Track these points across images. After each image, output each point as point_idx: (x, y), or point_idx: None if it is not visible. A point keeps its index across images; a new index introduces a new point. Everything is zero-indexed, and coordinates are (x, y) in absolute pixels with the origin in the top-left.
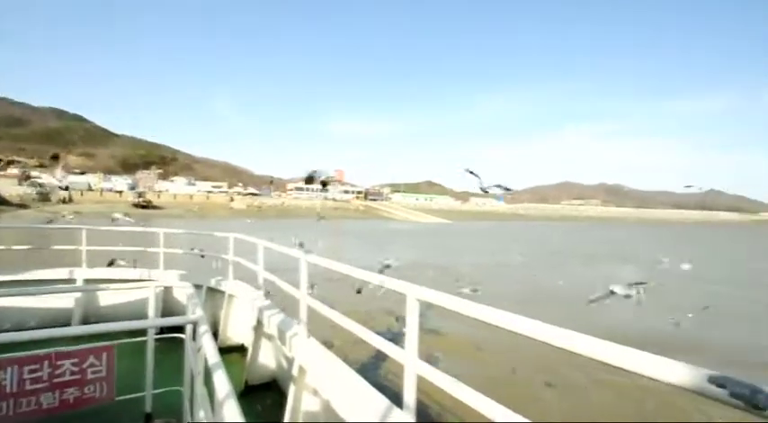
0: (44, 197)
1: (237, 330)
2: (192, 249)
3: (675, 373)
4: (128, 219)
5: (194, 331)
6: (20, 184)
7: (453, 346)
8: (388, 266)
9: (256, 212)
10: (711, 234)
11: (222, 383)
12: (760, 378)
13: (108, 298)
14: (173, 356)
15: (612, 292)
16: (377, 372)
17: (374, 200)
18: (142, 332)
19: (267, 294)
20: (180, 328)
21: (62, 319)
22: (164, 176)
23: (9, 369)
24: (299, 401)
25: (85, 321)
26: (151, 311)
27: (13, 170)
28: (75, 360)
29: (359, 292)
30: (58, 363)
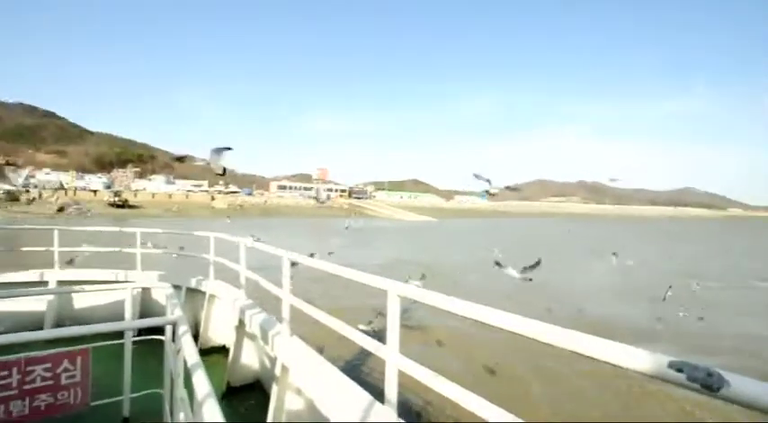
0: (12, 197)
1: (219, 331)
2: (163, 248)
3: (639, 360)
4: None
5: (174, 332)
6: None
7: (443, 339)
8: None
9: (238, 211)
10: (679, 229)
11: (202, 385)
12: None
13: (83, 300)
14: (152, 359)
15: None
16: (362, 368)
17: (358, 198)
18: (119, 335)
19: (249, 294)
20: (159, 330)
21: (34, 323)
22: (142, 175)
23: None
24: (283, 401)
25: (59, 325)
26: (128, 313)
27: None
28: (48, 365)
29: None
30: (29, 368)
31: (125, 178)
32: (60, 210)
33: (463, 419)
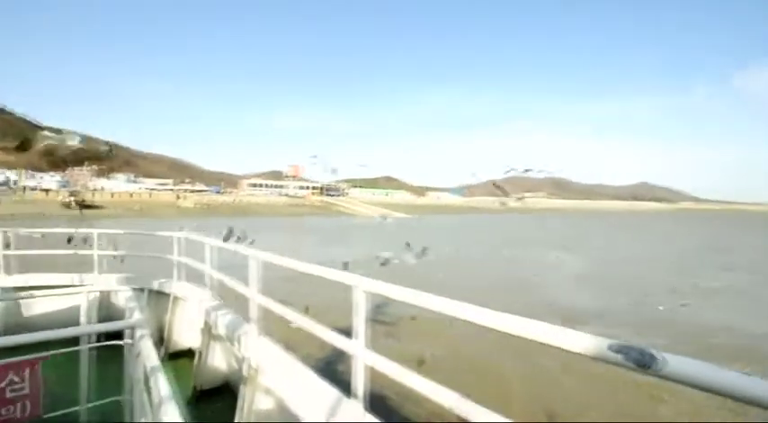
0: None
1: (185, 334)
2: (124, 249)
3: (583, 343)
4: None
5: (134, 336)
6: None
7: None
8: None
9: (206, 211)
10: (631, 222)
11: (163, 389)
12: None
13: (35, 307)
14: (112, 365)
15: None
16: (334, 365)
17: (332, 195)
18: (77, 342)
19: (217, 295)
20: (119, 335)
21: None
22: (102, 173)
23: None
24: (252, 402)
25: (8, 334)
26: (83, 318)
27: None
28: None
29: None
30: None
31: (82, 177)
32: None
33: (433, 412)
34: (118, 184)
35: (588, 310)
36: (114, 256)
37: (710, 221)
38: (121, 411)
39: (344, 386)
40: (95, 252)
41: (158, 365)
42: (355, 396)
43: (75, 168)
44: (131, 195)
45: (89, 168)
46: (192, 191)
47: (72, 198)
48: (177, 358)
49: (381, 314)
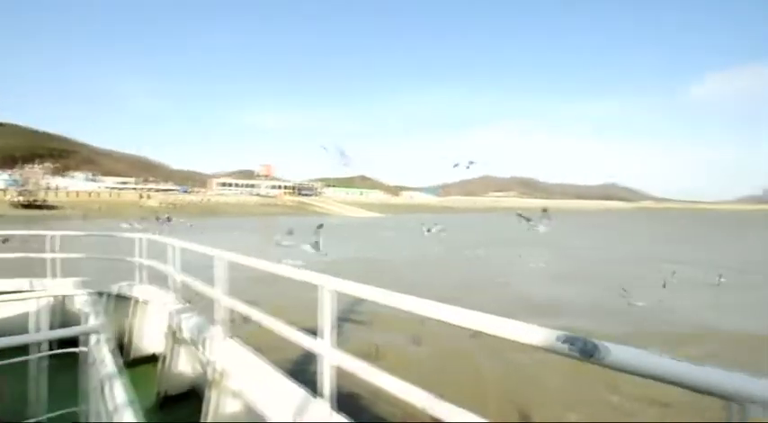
0: None
1: (150, 339)
2: (83, 252)
3: (535, 335)
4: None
5: (90, 343)
6: None
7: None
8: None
9: (173, 211)
10: (601, 221)
11: (122, 396)
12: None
13: None
14: (68, 374)
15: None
16: (304, 366)
17: (306, 195)
18: (28, 350)
19: (182, 298)
20: (75, 342)
21: None
22: (59, 171)
23: None
24: (218, 406)
25: None
26: (33, 325)
27: None
28: None
29: None
30: None
31: (34, 174)
32: None
33: (405, 410)
34: (76, 183)
35: (552, 303)
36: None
37: (676, 220)
38: (78, 421)
39: (314, 386)
40: (48, 255)
41: (116, 372)
42: (322, 395)
43: (27, 166)
44: (89, 195)
45: (42, 166)
46: (158, 190)
47: (21, 197)
48: (140, 364)
49: (355, 313)
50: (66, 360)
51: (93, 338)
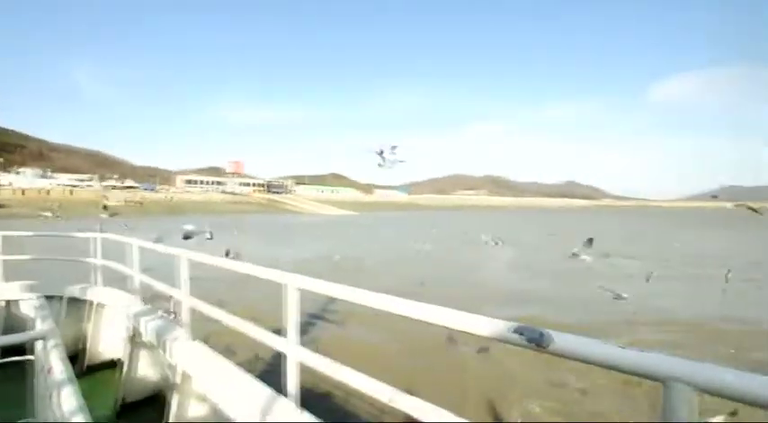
0: None
1: (110, 343)
2: (33, 253)
3: (489, 327)
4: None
5: (40, 350)
6: None
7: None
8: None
9: (137, 210)
10: (553, 217)
11: (74, 405)
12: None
13: None
14: (17, 383)
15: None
16: (270, 365)
17: (277, 193)
18: None
19: (144, 300)
20: (23, 349)
21: None
22: (4, 167)
23: None
24: (184, 410)
25: None
26: None
27: None
28: None
29: None
30: None
31: None
32: None
33: (366, 403)
34: (28, 180)
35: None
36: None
37: (630, 217)
38: None
39: (281, 386)
40: None
41: (69, 378)
42: (289, 394)
43: None
44: (40, 192)
45: None
46: (122, 188)
47: None
48: (99, 370)
49: (328, 311)
50: (12, 369)
51: (39, 345)
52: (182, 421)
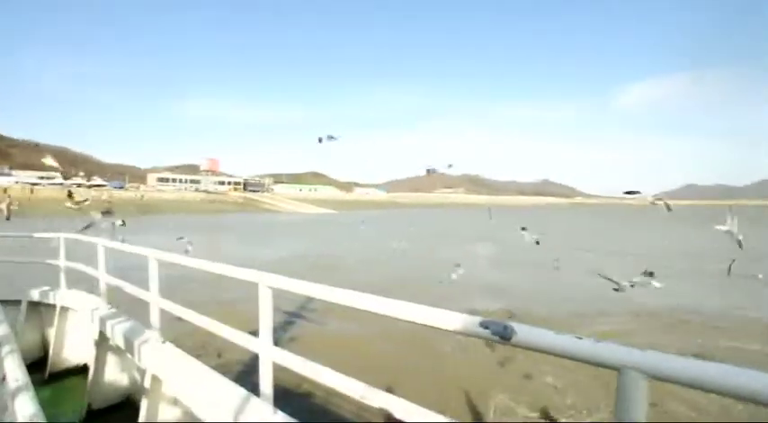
0: None
1: (76, 348)
2: None
3: (457, 322)
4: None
5: None
6: None
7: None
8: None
9: (107, 208)
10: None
11: (33, 411)
12: None
13: None
14: None
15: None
16: (245, 366)
17: (254, 191)
18: None
19: (113, 302)
20: None
21: None
22: None
23: None
24: (155, 414)
25: None
26: None
27: None
28: None
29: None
30: None
31: None
32: None
33: (343, 401)
34: None
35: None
36: None
37: (600, 214)
38: None
39: (256, 387)
40: None
41: (25, 386)
42: (263, 394)
43: None
44: (4, 191)
45: None
46: (88, 186)
47: None
48: (66, 377)
49: (306, 309)
50: None
51: (1, 351)
52: None
